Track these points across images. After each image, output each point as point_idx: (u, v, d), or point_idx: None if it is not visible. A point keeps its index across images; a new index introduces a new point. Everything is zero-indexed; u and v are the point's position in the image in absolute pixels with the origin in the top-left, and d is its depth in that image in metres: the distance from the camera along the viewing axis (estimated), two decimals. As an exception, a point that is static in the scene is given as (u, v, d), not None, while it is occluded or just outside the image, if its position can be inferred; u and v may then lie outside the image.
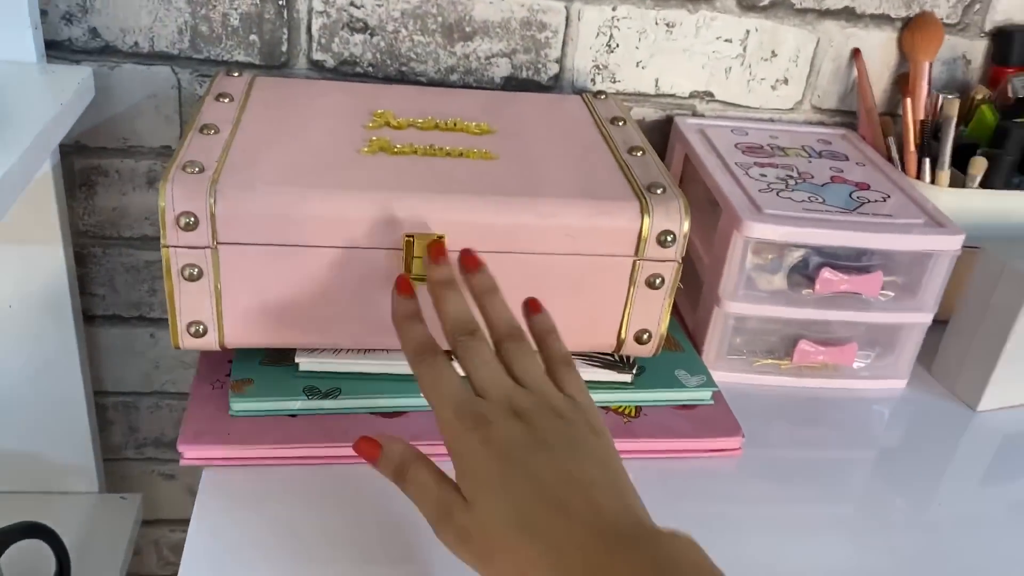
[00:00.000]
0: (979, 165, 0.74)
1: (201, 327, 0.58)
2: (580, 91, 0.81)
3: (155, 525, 1.05)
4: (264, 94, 0.69)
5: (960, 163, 0.76)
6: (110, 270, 0.86)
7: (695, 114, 0.84)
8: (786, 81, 0.84)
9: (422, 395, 0.47)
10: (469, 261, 0.53)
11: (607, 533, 0.40)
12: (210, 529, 0.53)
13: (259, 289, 0.57)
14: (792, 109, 0.85)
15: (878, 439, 0.69)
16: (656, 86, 0.82)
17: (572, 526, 0.40)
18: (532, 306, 0.53)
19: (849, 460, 0.66)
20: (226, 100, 0.66)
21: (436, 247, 0.54)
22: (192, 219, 0.54)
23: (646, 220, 0.58)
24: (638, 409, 0.64)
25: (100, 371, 0.91)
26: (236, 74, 0.71)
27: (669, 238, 0.59)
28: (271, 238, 0.56)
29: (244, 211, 0.55)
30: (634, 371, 0.65)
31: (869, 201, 0.70)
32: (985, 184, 0.75)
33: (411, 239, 0.56)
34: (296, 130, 0.63)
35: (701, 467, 0.63)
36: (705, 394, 0.65)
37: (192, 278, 0.56)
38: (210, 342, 0.59)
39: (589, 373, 0.64)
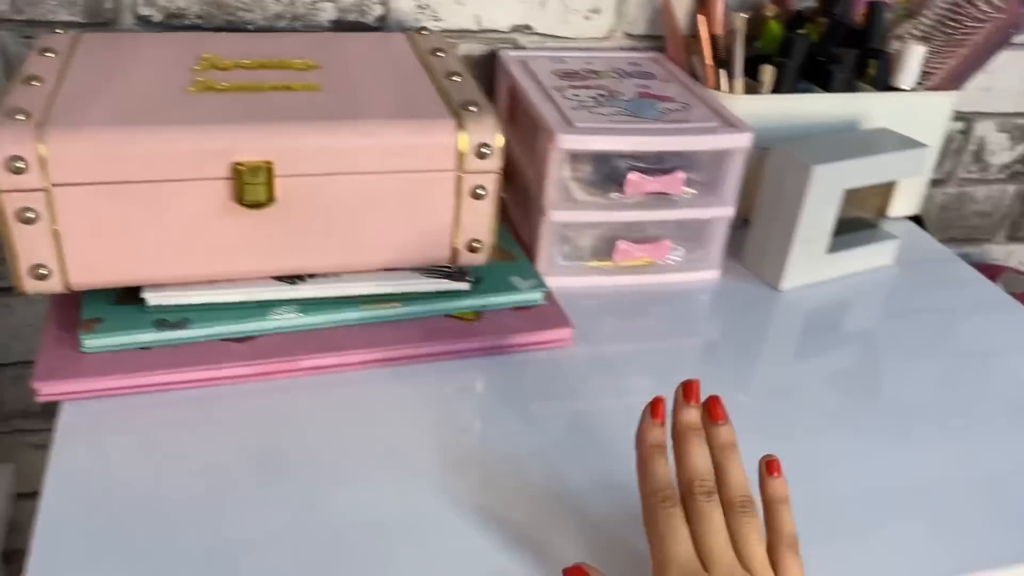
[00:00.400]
0: (768, 73, 0.83)
1: (44, 270, 0.60)
2: (405, 30, 0.85)
3: (34, 498, 1.05)
4: (91, 47, 0.70)
5: (755, 74, 0.85)
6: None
7: (517, 47, 0.90)
8: (598, 11, 0.90)
9: (648, 537, 0.48)
10: (716, 411, 0.52)
11: None
12: (72, 461, 0.56)
13: (99, 228, 0.60)
14: (606, 37, 0.92)
15: (699, 325, 0.77)
16: (478, 22, 0.87)
17: None
18: (770, 468, 0.51)
19: (676, 348, 0.73)
20: (50, 55, 0.67)
21: (689, 388, 0.53)
22: (21, 163, 0.56)
23: (462, 135, 0.63)
24: (478, 314, 0.70)
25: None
26: (60, 31, 0.72)
27: (486, 150, 0.64)
28: (104, 176, 0.58)
29: (74, 151, 0.57)
30: (471, 279, 0.70)
31: (671, 111, 0.77)
32: (775, 91, 0.84)
33: (241, 167, 0.59)
34: (123, 77, 0.65)
35: (537, 360, 0.69)
36: (537, 295, 0.72)
37: (28, 221, 0.58)
38: (54, 284, 0.61)
39: (429, 284, 0.69)
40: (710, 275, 0.81)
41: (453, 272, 0.70)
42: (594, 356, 0.70)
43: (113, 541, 0.51)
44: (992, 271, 1.18)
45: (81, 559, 0.50)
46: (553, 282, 0.76)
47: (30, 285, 0.60)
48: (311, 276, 0.67)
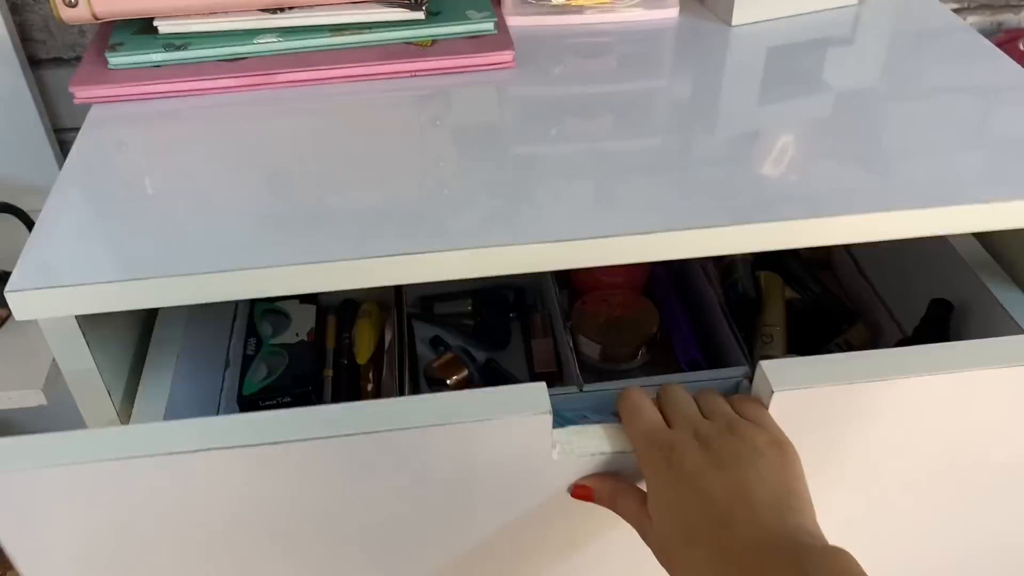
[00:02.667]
0: None
1: (73, 0, 0.75)
2: None
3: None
4: None
5: None
6: (44, 16, 1.03)
7: None
8: None
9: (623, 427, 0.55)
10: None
11: (764, 547, 0.44)
12: (93, 143, 0.73)
13: (111, -37, 0.74)
14: None
15: (660, 64, 0.84)
16: None
17: (733, 540, 0.45)
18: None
19: (644, 90, 0.79)
20: None
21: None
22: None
23: None
24: (433, 41, 0.81)
25: (56, 109, 1.10)
26: None
27: None
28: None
29: None
30: (425, 8, 0.81)
31: None
32: None
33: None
34: None
35: (483, 87, 0.79)
36: (488, 25, 0.81)
37: (54, -45, 0.73)
38: (83, 13, 0.76)
39: (389, 13, 0.80)
40: (668, 13, 0.88)
41: (409, 2, 0.81)
42: (543, 91, 0.80)
43: (115, 202, 0.67)
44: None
45: (90, 213, 0.66)
46: (517, 21, 0.85)
47: (64, 13, 0.76)
48: (291, 8, 0.80)
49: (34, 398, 0.87)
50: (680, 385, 0.59)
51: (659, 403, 0.58)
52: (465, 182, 0.66)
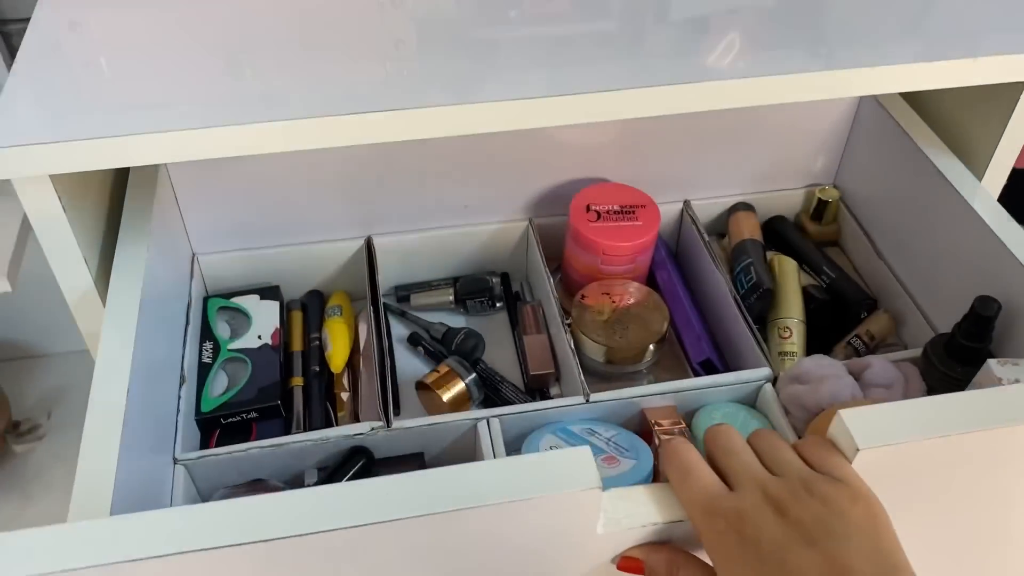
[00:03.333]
0: None
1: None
2: None
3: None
4: None
5: None
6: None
7: None
8: None
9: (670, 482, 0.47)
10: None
11: None
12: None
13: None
14: None
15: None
16: None
17: None
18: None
19: None
20: None
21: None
22: None
23: None
24: None
25: None
26: None
27: None
28: None
29: None
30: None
31: None
32: None
33: None
34: None
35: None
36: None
37: None
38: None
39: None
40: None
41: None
42: None
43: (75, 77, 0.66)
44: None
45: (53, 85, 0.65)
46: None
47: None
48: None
49: (-1, 285, 0.80)
50: (731, 428, 0.50)
51: (710, 451, 0.49)
52: (428, 58, 0.68)
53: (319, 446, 0.71)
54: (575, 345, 0.79)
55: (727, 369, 0.81)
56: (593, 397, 0.74)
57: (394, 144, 0.80)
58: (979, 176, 0.79)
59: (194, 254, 0.87)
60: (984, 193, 0.77)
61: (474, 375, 0.80)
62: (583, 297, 0.83)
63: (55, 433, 1.06)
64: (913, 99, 0.87)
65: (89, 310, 0.70)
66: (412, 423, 0.72)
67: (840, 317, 0.86)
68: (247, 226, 0.86)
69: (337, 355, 0.81)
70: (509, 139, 0.84)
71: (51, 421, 1.07)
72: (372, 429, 0.72)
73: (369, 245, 0.88)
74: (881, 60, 0.67)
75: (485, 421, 0.72)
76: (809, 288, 0.87)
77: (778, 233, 0.94)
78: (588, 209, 0.84)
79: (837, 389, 0.71)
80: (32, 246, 0.77)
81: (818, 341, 0.86)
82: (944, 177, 0.78)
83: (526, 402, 0.80)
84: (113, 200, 0.77)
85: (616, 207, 0.84)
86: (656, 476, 0.72)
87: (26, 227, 0.82)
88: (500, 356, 0.87)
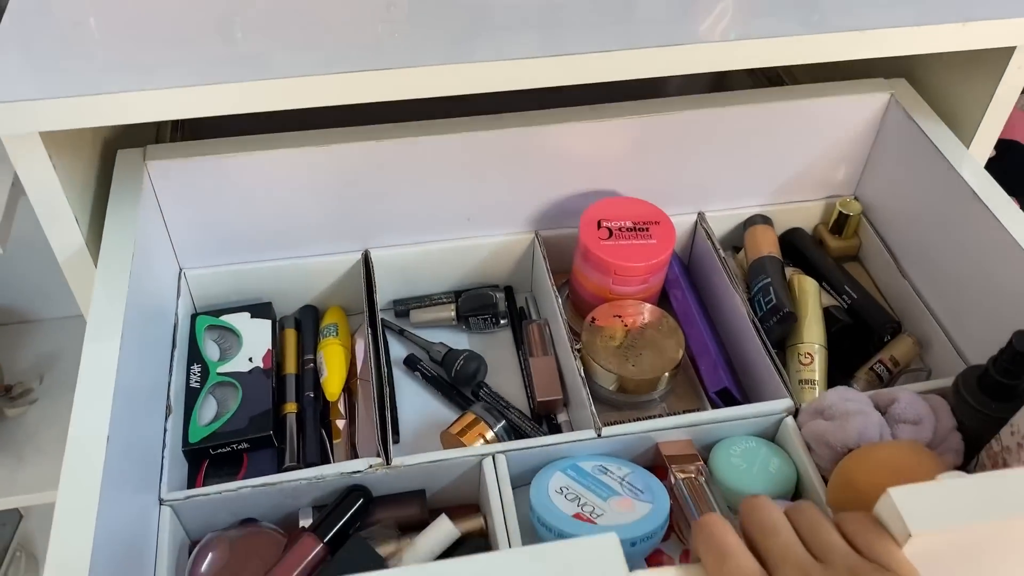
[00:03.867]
0: None
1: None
2: None
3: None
4: None
5: None
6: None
7: None
8: None
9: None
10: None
11: None
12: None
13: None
14: None
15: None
16: None
17: None
18: None
19: None
20: None
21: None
22: None
23: None
24: None
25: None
26: None
27: None
28: None
29: None
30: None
31: None
32: None
33: None
34: None
35: None
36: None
37: None
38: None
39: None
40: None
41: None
42: None
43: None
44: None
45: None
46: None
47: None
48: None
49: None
50: (769, 502, 0.46)
51: (746, 529, 0.45)
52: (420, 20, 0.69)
53: (314, 485, 0.67)
54: (585, 372, 0.75)
55: (745, 399, 0.77)
56: (605, 431, 0.70)
57: (391, 151, 0.76)
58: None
59: (181, 269, 0.82)
60: (1019, 213, 0.73)
61: (503, 422, 0.75)
62: (593, 320, 0.78)
63: (47, 397, 1.08)
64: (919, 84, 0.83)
65: (80, 270, 0.71)
66: (413, 460, 0.68)
67: (862, 340, 0.82)
68: (237, 239, 0.81)
69: (332, 382, 0.77)
70: (513, 146, 0.79)
71: (43, 385, 1.09)
72: (370, 467, 0.68)
73: (367, 259, 0.83)
74: (871, 25, 0.70)
75: (491, 458, 0.68)
76: (830, 309, 0.83)
77: (796, 247, 0.90)
78: (600, 225, 0.79)
79: (864, 427, 0.67)
80: (23, 211, 0.77)
81: (839, 366, 0.82)
82: (978, 197, 0.74)
83: (533, 428, 0.77)
84: (103, 171, 0.75)
85: (629, 223, 0.80)
86: (671, 521, 0.68)
87: (17, 190, 0.80)
88: (505, 378, 0.83)
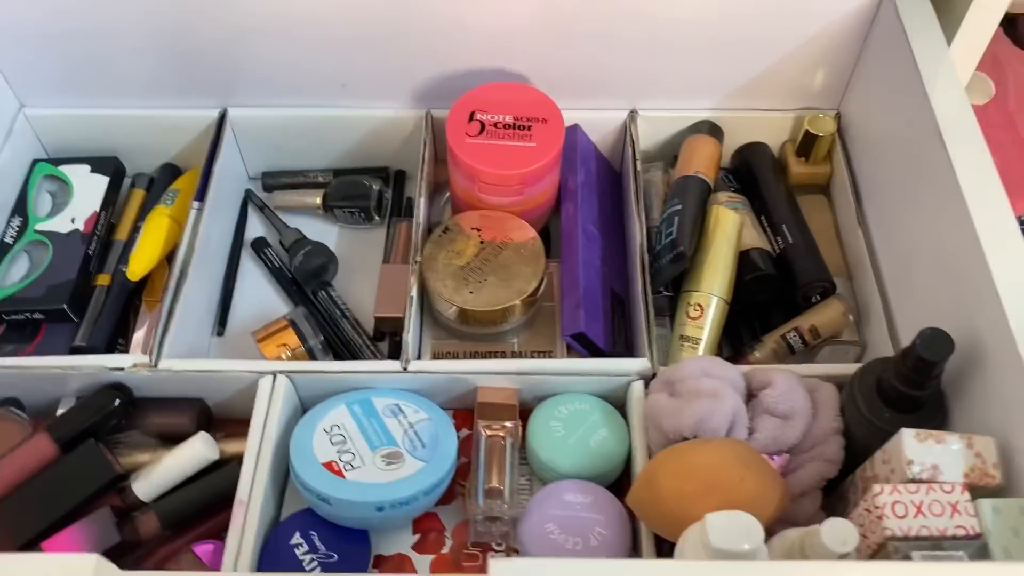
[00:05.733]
0: None
1: None
2: None
3: None
4: None
5: None
6: None
7: None
8: None
9: None
10: None
11: None
12: None
13: None
14: None
15: None
16: None
17: None
18: None
19: None
20: None
21: None
22: None
23: None
24: None
25: None
26: None
27: None
28: None
29: None
30: None
31: None
32: None
33: None
34: None
35: None
36: None
37: None
38: None
39: None
40: None
41: None
42: None
43: None
44: None
45: None
46: None
47: None
48: None
49: None
50: None
51: None
52: None
53: (75, 375, 0.59)
54: (419, 291, 0.63)
55: (612, 350, 0.63)
56: (413, 366, 0.59)
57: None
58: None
59: (21, 106, 0.73)
60: (983, 171, 0.54)
61: (322, 337, 0.65)
62: (446, 230, 0.65)
63: None
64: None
65: None
66: (180, 365, 0.59)
67: (786, 297, 0.66)
68: (81, 79, 0.71)
69: (139, 259, 0.67)
70: (399, 9, 0.65)
71: None
72: (134, 366, 0.59)
73: (222, 119, 0.72)
74: None
75: (271, 377, 0.59)
76: (754, 252, 0.67)
77: (750, 167, 0.73)
78: (472, 117, 0.65)
79: (708, 414, 0.53)
80: None
81: (749, 325, 0.67)
82: (942, 142, 0.55)
83: (365, 347, 0.66)
84: None
85: (509, 119, 0.65)
86: (450, 490, 0.57)
87: None
88: (364, 285, 0.71)
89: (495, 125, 0.65)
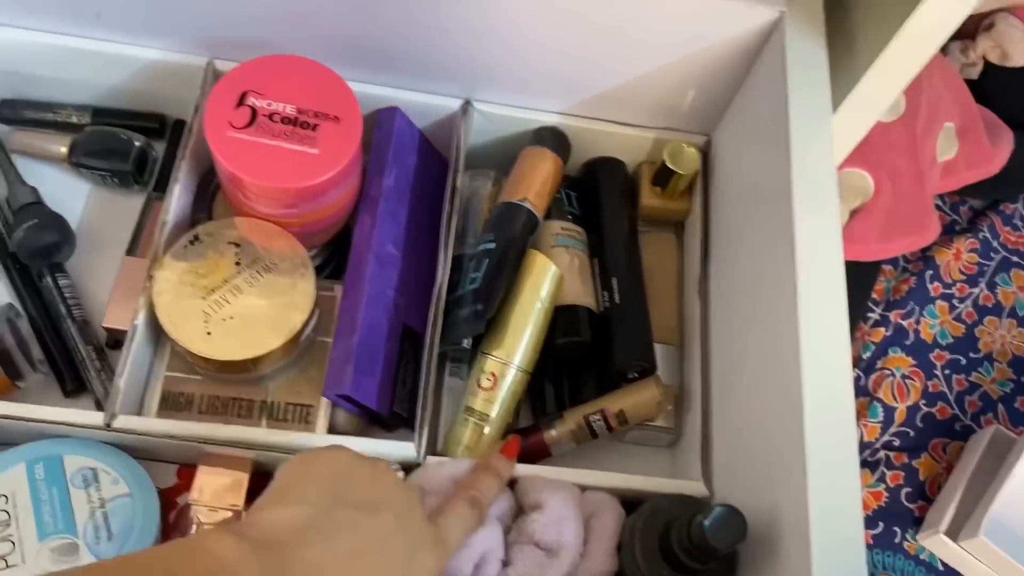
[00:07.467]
0: None
1: None
2: None
3: None
4: None
5: None
6: None
7: None
8: None
9: None
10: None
11: None
12: None
13: None
14: None
15: None
16: None
17: None
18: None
19: None
20: None
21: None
22: None
23: None
24: None
25: None
26: None
27: None
28: None
29: None
30: None
31: None
32: None
33: None
34: None
35: None
36: None
37: None
38: None
39: None
40: None
41: None
42: None
43: None
44: None
45: None
46: None
47: None
48: None
49: None
50: None
51: None
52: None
53: None
54: (149, 317, 0.50)
55: (390, 411, 0.52)
56: (121, 421, 0.47)
57: None
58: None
59: None
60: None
61: (36, 350, 0.52)
62: (194, 240, 0.52)
63: None
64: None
65: None
66: None
67: (600, 368, 0.57)
68: None
69: None
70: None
71: None
72: None
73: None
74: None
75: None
76: (574, 309, 0.56)
77: (596, 187, 0.61)
78: (242, 101, 0.51)
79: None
80: None
81: (557, 387, 0.57)
82: (791, 207, 0.45)
83: (87, 363, 0.54)
84: None
85: (291, 111, 0.51)
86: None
87: None
88: (111, 276, 0.57)
89: (271, 117, 0.50)
